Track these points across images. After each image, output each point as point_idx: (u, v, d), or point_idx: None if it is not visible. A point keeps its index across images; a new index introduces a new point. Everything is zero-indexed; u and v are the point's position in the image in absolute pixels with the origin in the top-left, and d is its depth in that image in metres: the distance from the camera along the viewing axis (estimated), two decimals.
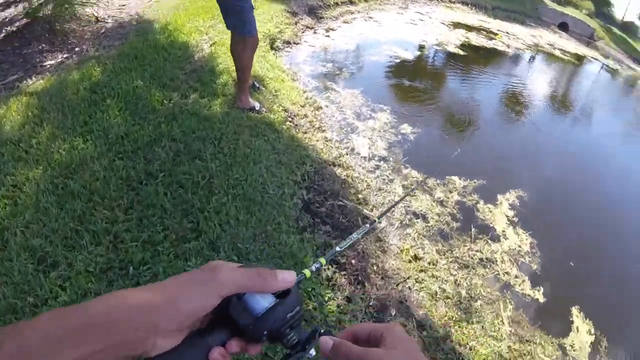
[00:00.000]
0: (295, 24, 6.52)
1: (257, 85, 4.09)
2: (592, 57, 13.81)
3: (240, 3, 3.04)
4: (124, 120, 3.08)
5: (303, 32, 6.53)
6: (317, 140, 3.82)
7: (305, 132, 3.87)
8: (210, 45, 4.67)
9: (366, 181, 3.60)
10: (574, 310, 3.20)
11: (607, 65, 13.82)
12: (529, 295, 3.15)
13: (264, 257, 2.32)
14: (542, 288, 3.22)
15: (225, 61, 4.26)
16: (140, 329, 0.40)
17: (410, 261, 2.97)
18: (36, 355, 0.37)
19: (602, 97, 10.29)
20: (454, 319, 2.68)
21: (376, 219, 0.99)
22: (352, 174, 3.60)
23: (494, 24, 12.27)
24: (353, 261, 2.65)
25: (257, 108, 3.67)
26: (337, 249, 0.73)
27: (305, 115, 4.18)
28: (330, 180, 3.34)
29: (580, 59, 12.78)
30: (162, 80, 3.66)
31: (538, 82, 8.70)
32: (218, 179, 2.76)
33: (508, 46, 10.31)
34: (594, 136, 7.30)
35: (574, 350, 2.93)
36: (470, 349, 2.56)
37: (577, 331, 3.07)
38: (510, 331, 2.84)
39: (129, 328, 0.40)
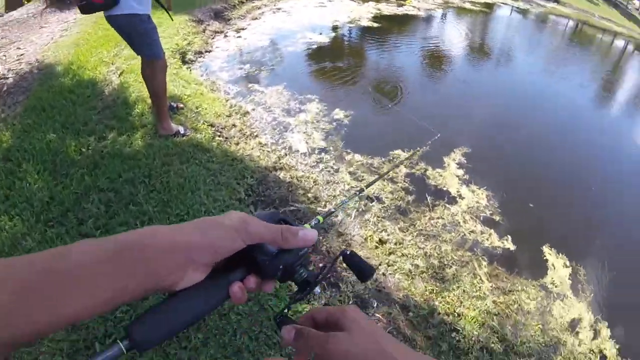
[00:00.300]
0: (204, 31, 6.29)
1: (176, 106, 3.89)
2: (501, 3, 14.58)
3: (143, 25, 2.84)
4: (45, 183, 2.77)
5: (213, 38, 6.30)
6: (252, 148, 3.69)
7: (238, 143, 3.72)
8: (119, 76, 4.37)
9: (312, 178, 3.52)
10: (545, 249, 3.33)
11: (518, 7, 14.77)
12: (498, 246, 3.22)
13: None
14: (509, 236, 3.31)
15: (138, 88, 4.03)
16: (179, 260, 0.45)
17: (376, 247, 2.93)
18: (71, 278, 0.40)
19: (518, 39, 10.96)
20: (434, 291, 2.67)
21: (364, 187, 1.02)
22: (296, 174, 3.52)
23: None
24: (320, 264, 2.61)
25: (181, 131, 3.50)
26: (332, 209, 0.78)
27: (234, 125, 4.03)
28: (275, 188, 3.24)
29: (490, 6, 13.49)
30: (75, 127, 3.36)
31: (454, 38, 9.06)
32: (157, 220, 2.57)
33: (419, 9, 10.69)
34: (519, 77, 7.71)
35: (556, 286, 3.05)
36: (458, 315, 2.57)
37: (554, 268, 3.20)
38: (491, 286, 2.89)
39: (168, 258, 0.45)
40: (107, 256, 0.43)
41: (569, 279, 3.15)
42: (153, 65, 3.07)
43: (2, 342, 0.37)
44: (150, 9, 2.87)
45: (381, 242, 3.00)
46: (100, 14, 2.83)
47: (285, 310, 0.55)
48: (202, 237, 0.47)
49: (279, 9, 8.63)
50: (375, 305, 2.45)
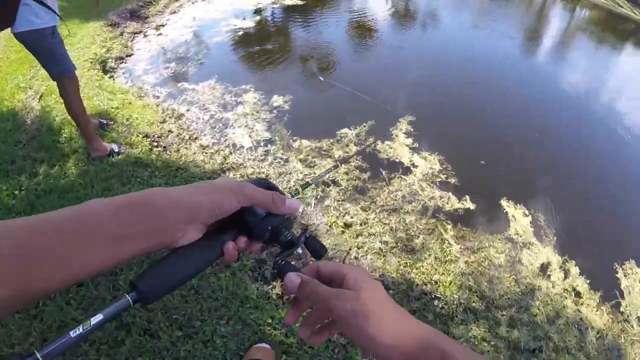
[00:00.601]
0: (121, 34, 5.86)
1: (106, 123, 3.64)
2: None
3: (47, 41, 2.58)
4: None
5: (132, 40, 5.87)
6: (195, 153, 3.52)
7: (178, 150, 3.53)
8: (39, 100, 4.00)
9: (263, 172, 3.44)
10: (503, 202, 3.46)
11: None
12: (459, 208, 3.30)
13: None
14: (467, 196, 3.39)
15: (61, 110, 3.68)
16: (183, 217, 0.50)
17: (343, 232, 2.89)
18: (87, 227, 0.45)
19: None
20: (407, 264, 2.69)
21: (339, 164, 1.07)
22: (246, 171, 3.41)
23: None
24: (293, 262, 2.58)
25: (115, 150, 3.30)
26: (310, 182, 0.87)
27: (170, 131, 3.81)
28: None
29: None
30: (2, 168, 3.06)
31: (380, 5, 9.21)
32: None
33: None
34: (448, 36, 7.95)
35: (520, 236, 3.18)
36: (436, 283, 2.61)
37: (514, 219, 3.34)
38: (460, 248, 2.96)
39: (174, 214, 0.50)
40: (118, 208, 0.47)
41: (530, 226, 3.30)
42: (63, 84, 2.86)
43: (21, 295, 0.41)
44: (55, 19, 2.58)
45: (346, 225, 2.97)
46: (9, 33, 2.59)
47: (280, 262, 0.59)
48: (203, 197, 0.52)
49: None
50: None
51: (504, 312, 2.59)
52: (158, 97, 4.50)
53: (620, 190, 4.23)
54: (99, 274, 0.49)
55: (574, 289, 2.94)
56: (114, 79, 4.71)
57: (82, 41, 5.29)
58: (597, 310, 2.88)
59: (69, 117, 3.17)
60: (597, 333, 2.73)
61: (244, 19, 7.20)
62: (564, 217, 3.48)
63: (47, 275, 0.41)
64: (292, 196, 0.70)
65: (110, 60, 5.13)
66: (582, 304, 2.88)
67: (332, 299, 0.50)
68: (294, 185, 3.33)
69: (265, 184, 0.63)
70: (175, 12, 7.27)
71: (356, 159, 3.66)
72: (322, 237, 2.84)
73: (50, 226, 0.43)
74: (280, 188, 0.64)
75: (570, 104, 5.90)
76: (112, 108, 3.96)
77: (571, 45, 9.13)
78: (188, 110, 4.27)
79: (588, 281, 3.00)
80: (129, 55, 5.48)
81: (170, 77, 4.98)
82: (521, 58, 7.66)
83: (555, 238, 3.25)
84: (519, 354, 2.37)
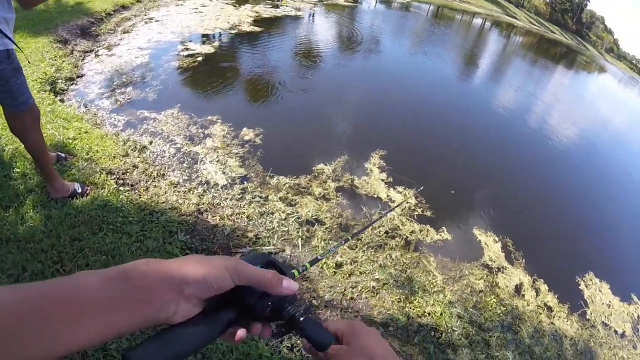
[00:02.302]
0: (72, 52, 5.61)
1: (64, 156, 3.41)
2: None
3: (1, 67, 2.20)
4: None
5: (83, 59, 5.71)
6: (166, 193, 3.42)
7: (147, 189, 3.42)
8: None
9: (243, 213, 3.44)
10: (475, 231, 3.88)
11: None
12: (438, 240, 3.66)
13: None
14: (444, 227, 3.78)
15: (10, 139, 3.38)
16: (172, 290, 0.49)
17: (335, 272, 3.10)
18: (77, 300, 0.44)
19: (384, 26, 12.25)
20: (401, 299, 2.97)
21: (349, 238, 1.14)
22: (225, 212, 3.39)
23: None
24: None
25: (78, 190, 3.05)
26: (319, 257, 0.88)
27: (135, 166, 3.67)
28: (210, 237, 3.09)
29: (356, 0, 15.10)
30: None
31: (328, 31, 9.87)
32: None
33: (298, 9, 11.45)
34: (398, 64, 8.57)
35: (494, 262, 3.59)
36: (429, 314, 2.91)
37: (487, 246, 3.75)
38: (444, 278, 3.29)
39: (161, 287, 0.49)
40: (101, 283, 0.46)
41: (501, 251, 3.74)
42: (21, 117, 2.49)
43: None
44: (9, 43, 2.21)
45: (337, 266, 3.18)
46: None
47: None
48: (195, 271, 0.52)
49: (150, 18, 8.18)
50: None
51: (490, 334, 2.93)
52: (116, 125, 4.32)
53: (575, 209, 4.83)
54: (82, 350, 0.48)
55: (545, 304, 3.38)
56: (64, 102, 4.48)
57: (30, 58, 5.00)
58: (567, 321, 3.34)
59: (24, 147, 2.80)
60: (571, 340, 3.18)
61: (203, 43, 7.17)
62: (529, 240, 3.95)
63: (21, 355, 0.40)
64: (299, 272, 0.71)
65: (60, 80, 4.88)
66: (554, 317, 3.33)
67: (329, 356, 0.59)
68: (277, 227, 3.40)
69: (265, 258, 0.64)
70: (128, 32, 7.05)
71: (337, 196, 3.89)
72: (316, 280, 3.00)
73: (28, 304, 0.42)
74: (280, 262, 0.65)
75: (514, 125, 6.60)
76: (69, 139, 3.73)
77: (519, 70, 10.13)
78: (151, 142, 4.11)
79: (556, 296, 3.48)
80: (80, 76, 5.26)
81: (127, 103, 4.79)
82: (461, 82, 8.47)
83: (524, 260, 3.69)
84: None
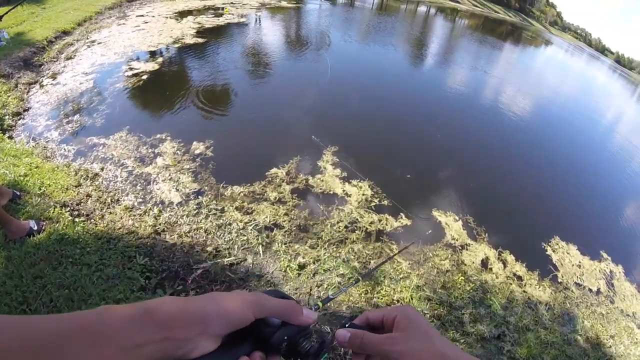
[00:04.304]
0: (16, 86, 5.45)
1: (18, 194, 3.41)
2: None
3: None
4: None
5: (28, 92, 5.60)
6: (121, 218, 3.43)
7: (103, 217, 3.41)
8: None
9: (200, 228, 3.45)
10: (435, 213, 3.97)
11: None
12: (398, 226, 3.72)
13: None
14: (402, 214, 3.86)
15: None
16: (194, 328, 0.51)
17: (299, 274, 3.11)
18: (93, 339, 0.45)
19: (331, 22, 12.56)
20: (368, 291, 3.01)
21: (360, 278, 1.11)
22: (183, 230, 3.41)
23: None
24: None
25: (34, 227, 3.08)
26: (331, 297, 0.88)
27: (88, 195, 3.65)
28: (169, 257, 3.11)
29: (300, 1, 15.31)
30: None
31: (275, 34, 9.96)
32: None
33: (241, 16, 11.51)
34: (344, 56, 8.66)
35: (457, 240, 3.68)
36: (397, 301, 2.95)
37: (448, 226, 3.84)
38: (409, 264, 3.35)
39: (184, 325, 0.50)
40: (124, 320, 0.48)
41: (463, 229, 3.82)
42: None
43: None
44: None
45: (300, 267, 3.19)
46: None
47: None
48: (217, 308, 0.53)
49: (93, 41, 8.07)
50: (329, 330, 2.66)
51: (463, 311, 2.98)
52: (67, 156, 4.28)
53: (533, 178, 4.99)
54: None
55: (514, 274, 3.47)
56: (14, 140, 4.45)
57: None
58: (539, 287, 3.46)
59: None
60: (546, 305, 3.30)
61: (147, 60, 7.10)
62: (489, 214, 4.07)
63: None
64: (316, 310, 0.70)
65: (7, 117, 4.86)
66: (525, 285, 3.44)
67: (382, 345, 0.56)
68: (235, 237, 3.40)
69: (280, 294, 0.64)
70: (71, 58, 6.94)
71: (293, 198, 3.89)
72: (280, 285, 3.00)
73: (49, 338, 0.44)
74: (294, 298, 0.66)
75: (461, 102, 6.80)
76: (20, 176, 3.72)
77: (468, 51, 10.45)
78: (103, 168, 4.10)
79: (525, 264, 3.59)
80: (27, 110, 5.23)
81: (76, 132, 4.77)
82: (410, 69, 8.66)
83: (486, 235, 3.78)
84: (487, 344, 2.77)
